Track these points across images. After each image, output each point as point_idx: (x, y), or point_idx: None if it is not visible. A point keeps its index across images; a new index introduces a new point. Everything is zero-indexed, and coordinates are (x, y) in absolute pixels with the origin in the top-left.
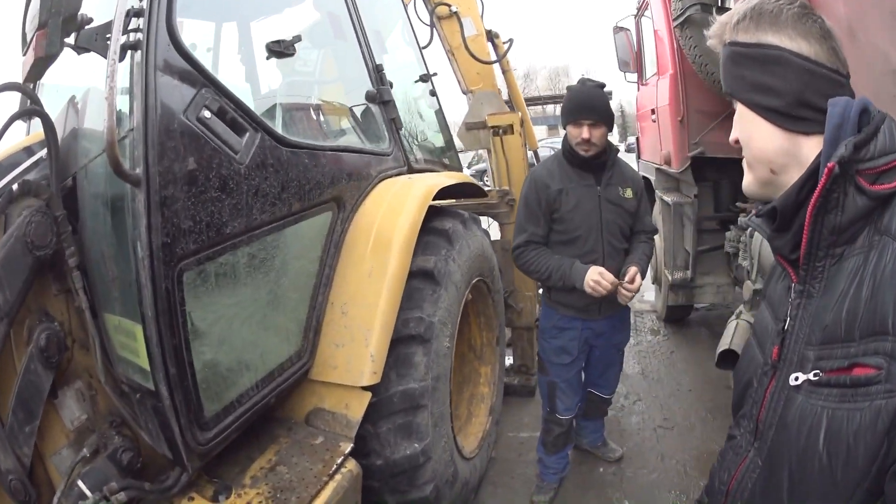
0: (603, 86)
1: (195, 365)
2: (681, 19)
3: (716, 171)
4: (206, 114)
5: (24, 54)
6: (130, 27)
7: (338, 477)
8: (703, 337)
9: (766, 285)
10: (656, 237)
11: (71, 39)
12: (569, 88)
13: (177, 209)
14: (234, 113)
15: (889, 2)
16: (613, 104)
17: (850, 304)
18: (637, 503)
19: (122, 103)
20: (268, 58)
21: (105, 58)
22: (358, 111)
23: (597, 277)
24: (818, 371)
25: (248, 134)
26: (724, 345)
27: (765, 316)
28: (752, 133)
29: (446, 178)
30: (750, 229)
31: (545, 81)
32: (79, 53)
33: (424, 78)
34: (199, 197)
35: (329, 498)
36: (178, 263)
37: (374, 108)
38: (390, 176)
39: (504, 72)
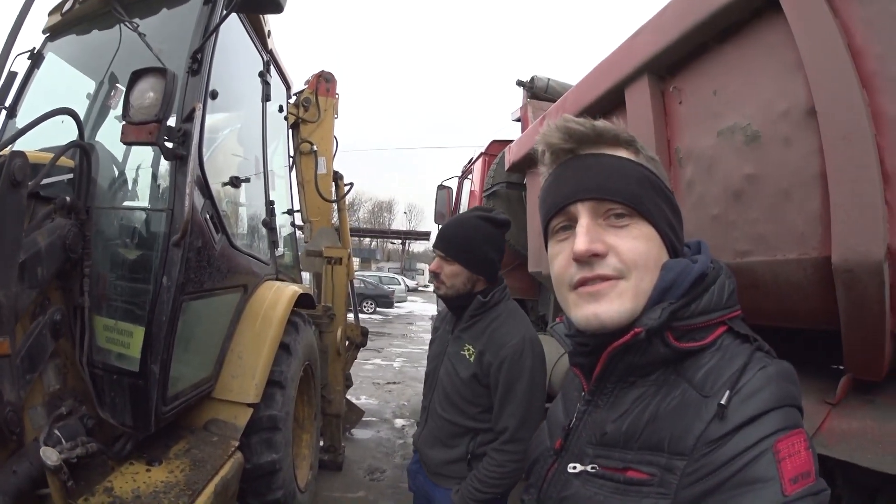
0: (498, 222)
1: (172, 360)
2: (490, 191)
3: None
4: (207, 216)
5: (124, 120)
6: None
7: (232, 459)
8: None
9: (564, 380)
10: None
11: None
12: None
13: (190, 265)
14: (216, 220)
15: None
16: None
17: (630, 423)
18: None
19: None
20: (224, 185)
21: (163, 154)
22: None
23: None
24: (595, 465)
25: (220, 234)
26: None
27: (558, 407)
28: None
29: (300, 289)
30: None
31: (367, 214)
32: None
33: (290, 212)
34: (199, 262)
35: (228, 470)
36: (182, 296)
37: (262, 230)
38: (269, 279)
39: (339, 210)
